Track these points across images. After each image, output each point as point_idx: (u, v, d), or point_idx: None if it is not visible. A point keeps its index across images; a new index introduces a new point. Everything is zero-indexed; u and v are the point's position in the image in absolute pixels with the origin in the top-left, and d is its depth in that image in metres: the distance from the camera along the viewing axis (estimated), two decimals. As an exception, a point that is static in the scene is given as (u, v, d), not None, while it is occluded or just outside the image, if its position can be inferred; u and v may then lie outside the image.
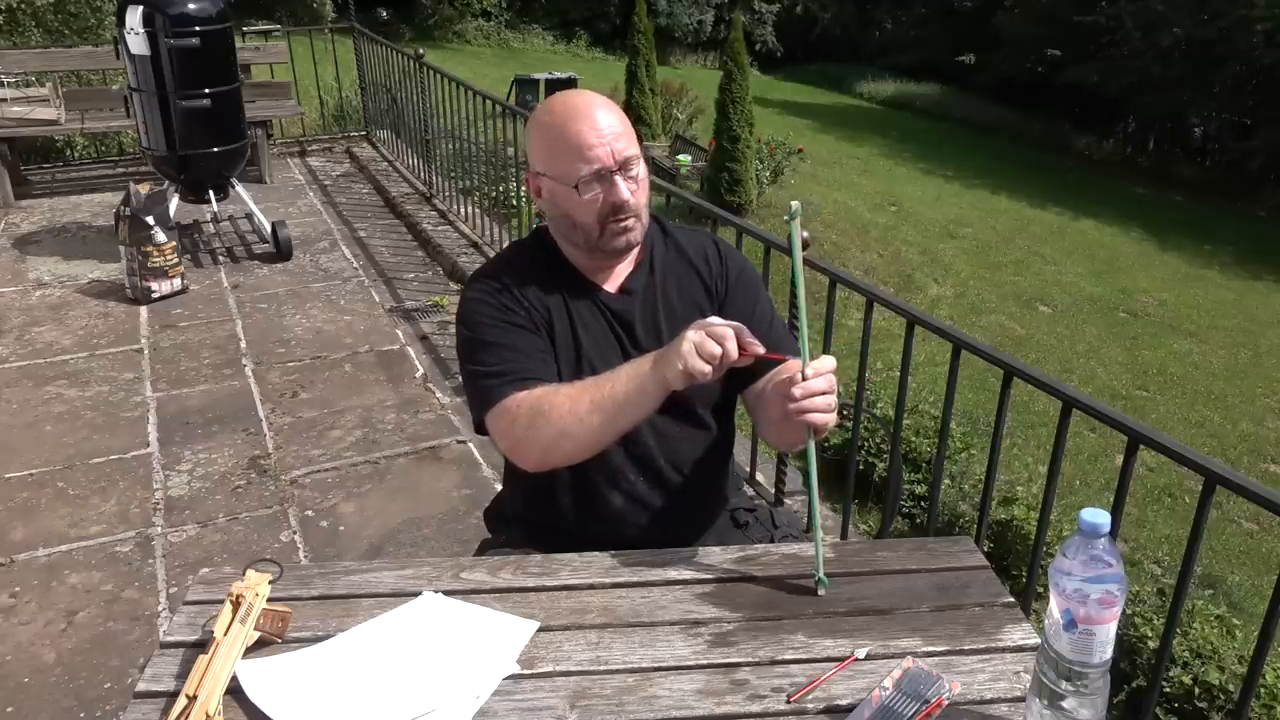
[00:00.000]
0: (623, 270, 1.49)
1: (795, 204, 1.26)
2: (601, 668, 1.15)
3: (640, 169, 1.41)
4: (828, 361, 1.24)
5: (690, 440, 1.50)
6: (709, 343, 1.19)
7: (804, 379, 1.21)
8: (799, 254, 1.30)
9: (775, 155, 10.26)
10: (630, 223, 1.40)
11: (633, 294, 1.48)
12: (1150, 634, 3.20)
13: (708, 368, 1.19)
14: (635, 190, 1.40)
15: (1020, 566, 3.66)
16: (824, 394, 1.22)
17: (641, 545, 1.40)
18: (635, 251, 1.49)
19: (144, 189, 4.21)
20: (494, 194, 5.45)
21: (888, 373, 4.84)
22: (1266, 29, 14.69)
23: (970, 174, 14.06)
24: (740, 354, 1.21)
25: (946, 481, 4.12)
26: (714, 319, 1.23)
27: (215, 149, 4.52)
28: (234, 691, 1.09)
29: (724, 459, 1.60)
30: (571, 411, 1.30)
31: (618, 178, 1.37)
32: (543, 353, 1.41)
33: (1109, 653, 0.98)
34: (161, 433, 3.23)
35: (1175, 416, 7.06)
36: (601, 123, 1.36)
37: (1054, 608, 0.98)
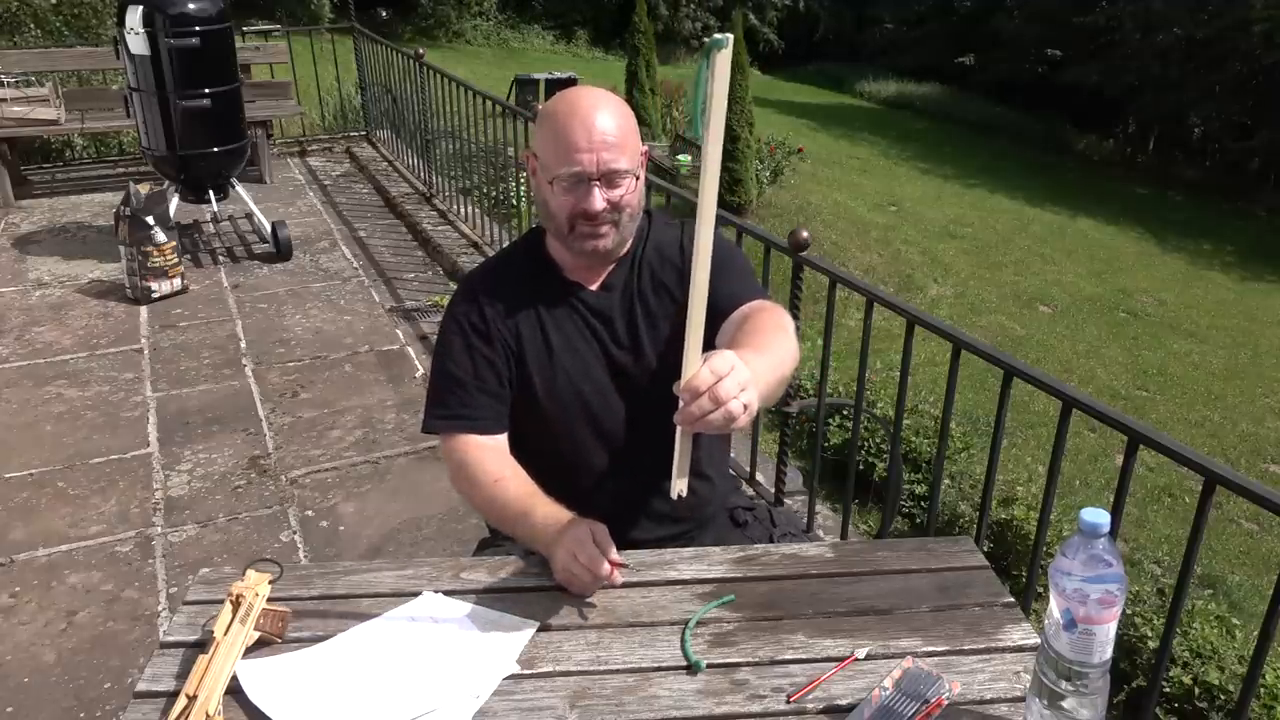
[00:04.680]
0: (606, 268, 1.50)
1: (726, 36, 1.07)
2: (601, 668, 1.15)
3: (629, 183, 1.39)
4: (704, 376, 1.05)
5: None
6: (571, 577, 1.26)
7: (689, 384, 1.07)
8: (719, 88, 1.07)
9: (775, 155, 10.26)
10: (603, 230, 1.40)
11: (612, 290, 1.49)
12: (1150, 634, 3.19)
13: (588, 591, 1.26)
14: (615, 203, 1.39)
15: (1020, 566, 3.66)
16: (713, 409, 1.05)
17: (635, 545, 1.40)
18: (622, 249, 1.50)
19: (144, 189, 4.21)
20: (494, 194, 5.45)
21: (888, 373, 4.83)
22: (1265, 29, 14.68)
23: (970, 174, 14.04)
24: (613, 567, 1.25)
25: (946, 481, 4.12)
26: (582, 547, 1.24)
27: (215, 149, 4.52)
28: (234, 691, 1.09)
29: (718, 463, 1.59)
30: (486, 508, 1.45)
31: (595, 187, 1.36)
32: (489, 383, 1.46)
33: (1109, 653, 0.98)
34: (161, 433, 3.23)
35: (1175, 416, 7.04)
36: (599, 127, 1.35)
37: (1054, 608, 0.98)
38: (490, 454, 1.43)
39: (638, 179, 1.41)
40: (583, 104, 1.37)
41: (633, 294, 1.49)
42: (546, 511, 1.33)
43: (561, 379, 1.45)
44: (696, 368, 1.08)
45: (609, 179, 1.37)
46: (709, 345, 1.15)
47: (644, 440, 1.47)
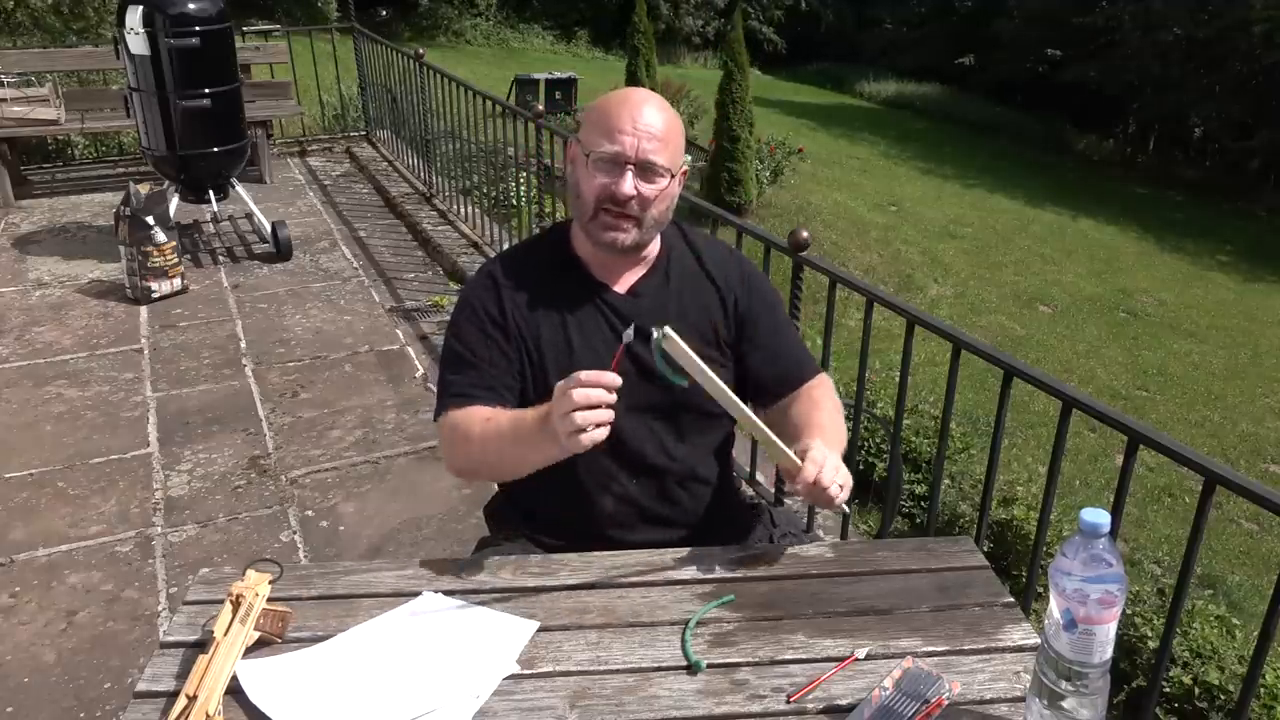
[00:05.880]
0: (635, 272, 1.49)
1: (663, 331, 1.16)
2: (601, 668, 1.15)
3: (662, 184, 1.39)
4: (809, 470, 1.26)
5: (687, 446, 1.49)
6: (571, 419, 1.15)
7: (801, 476, 1.26)
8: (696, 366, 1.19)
9: (775, 155, 10.25)
10: (624, 224, 1.39)
11: (641, 297, 1.47)
12: (1150, 634, 3.19)
13: (587, 439, 1.16)
14: (644, 195, 1.38)
15: (1020, 566, 3.66)
16: (827, 486, 1.26)
17: (635, 546, 1.40)
18: (652, 254, 1.49)
19: (144, 189, 4.21)
20: (494, 194, 5.45)
21: (888, 373, 4.83)
22: (1265, 29, 14.67)
23: (970, 174, 14.04)
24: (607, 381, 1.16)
25: (946, 481, 4.12)
26: (575, 378, 1.17)
27: (215, 149, 4.52)
28: (234, 691, 1.09)
29: (721, 464, 1.59)
30: (482, 452, 1.38)
31: (629, 171, 1.37)
32: (502, 373, 1.43)
33: (1109, 653, 0.98)
34: (161, 433, 3.23)
35: (1175, 416, 7.05)
36: (644, 118, 1.37)
37: (1054, 608, 0.98)
38: (479, 409, 1.40)
39: (672, 178, 1.41)
40: (635, 96, 1.40)
41: (667, 306, 1.47)
42: (536, 410, 1.29)
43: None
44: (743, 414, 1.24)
45: (644, 170, 1.37)
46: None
47: (652, 447, 1.46)
